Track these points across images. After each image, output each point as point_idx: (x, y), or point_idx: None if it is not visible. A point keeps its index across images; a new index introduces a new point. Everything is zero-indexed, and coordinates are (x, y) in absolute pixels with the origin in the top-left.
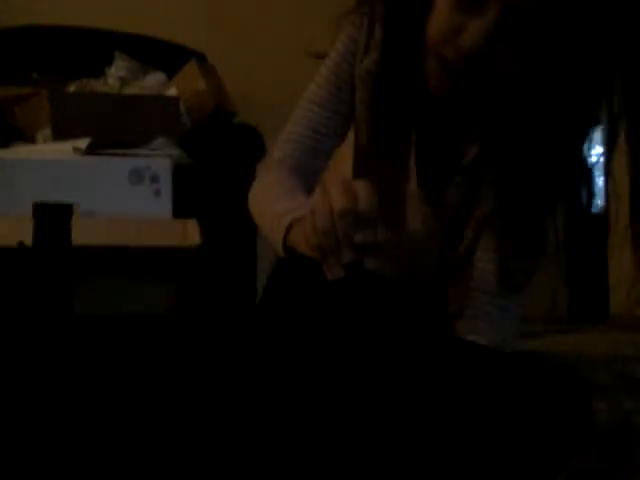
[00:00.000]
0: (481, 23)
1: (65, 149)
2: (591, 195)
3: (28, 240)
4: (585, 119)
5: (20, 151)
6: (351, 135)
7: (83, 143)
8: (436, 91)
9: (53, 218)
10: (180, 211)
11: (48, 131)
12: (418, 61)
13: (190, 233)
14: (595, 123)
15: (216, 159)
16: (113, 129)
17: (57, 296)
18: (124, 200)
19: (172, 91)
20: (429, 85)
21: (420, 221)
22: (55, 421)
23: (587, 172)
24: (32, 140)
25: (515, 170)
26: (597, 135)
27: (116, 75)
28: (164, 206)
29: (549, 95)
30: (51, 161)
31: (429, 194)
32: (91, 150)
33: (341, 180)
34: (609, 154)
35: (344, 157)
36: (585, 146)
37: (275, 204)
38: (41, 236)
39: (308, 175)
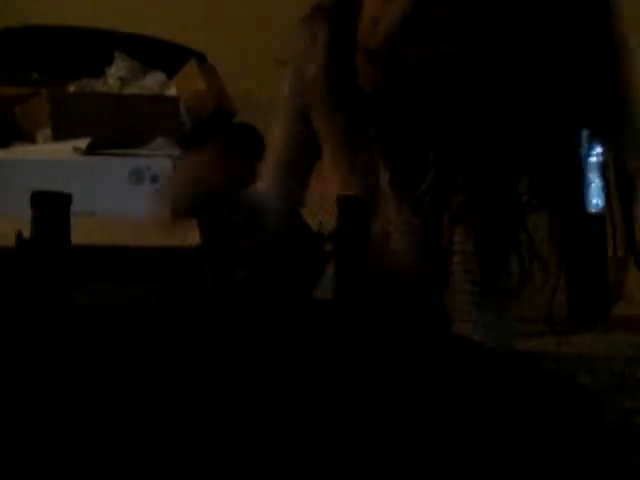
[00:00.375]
0: (396, 8)
1: (65, 149)
2: (574, 193)
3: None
4: (534, 113)
5: (20, 151)
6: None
7: (83, 143)
8: (366, 86)
9: (51, 207)
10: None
11: (48, 131)
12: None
13: (190, 233)
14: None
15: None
16: (113, 129)
17: (56, 288)
18: (124, 200)
19: (172, 91)
20: (359, 81)
21: (400, 220)
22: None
23: (558, 169)
24: (32, 140)
25: (473, 163)
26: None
27: (116, 75)
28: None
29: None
30: (51, 161)
31: (403, 193)
32: (91, 150)
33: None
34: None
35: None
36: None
37: None
38: (39, 226)
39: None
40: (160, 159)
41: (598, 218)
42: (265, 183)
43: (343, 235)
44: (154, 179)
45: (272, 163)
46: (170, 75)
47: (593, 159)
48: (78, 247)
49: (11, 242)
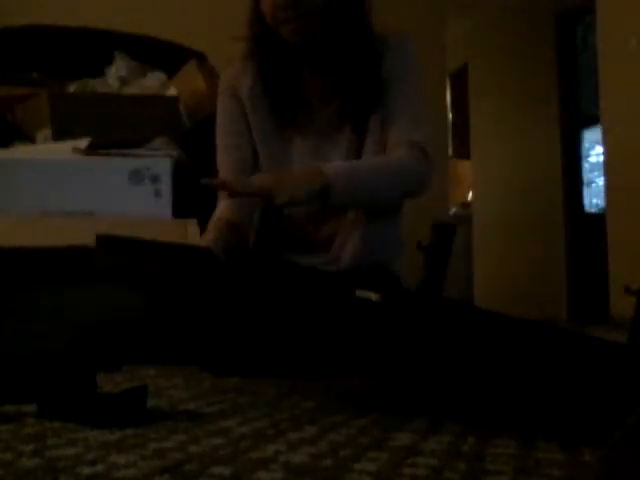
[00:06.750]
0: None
1: (65, 149)
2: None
3: (28, 240)
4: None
5: (20, 151)
6: None
7: (83, 143)
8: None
9: None
10: (180, 211)
11: (48, 131)
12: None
13: (190, 233)
14: None
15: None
16: (113, 129)
17: None
18: (124, 200)
19: (172, 91)
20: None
21: None
22: None
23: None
24: (32, 140)
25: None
26: (597, 135)
27: (116, 75)
28: (164, 206)
29: None
30: (51, 161)
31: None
32: (91, 150)
33: None
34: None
35: None
36: None
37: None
38: None
39: None
40: (160, 159)
41: (599, 218)
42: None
43: (434, 250)
44: (154, 179)
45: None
46: (170, 75)
47: (593, 159)
48: (78, 248)
49: (11, 242)
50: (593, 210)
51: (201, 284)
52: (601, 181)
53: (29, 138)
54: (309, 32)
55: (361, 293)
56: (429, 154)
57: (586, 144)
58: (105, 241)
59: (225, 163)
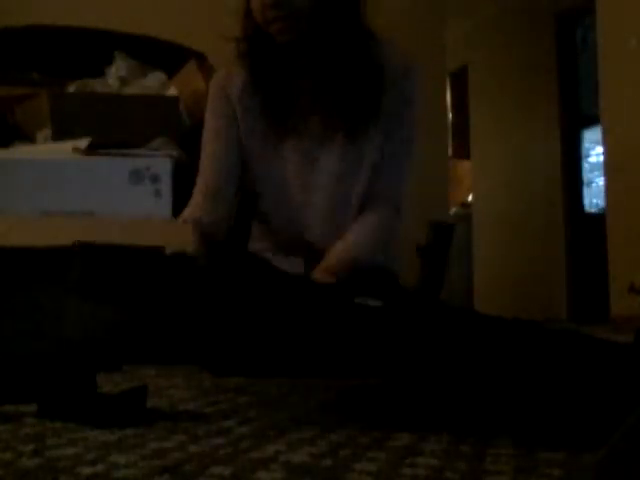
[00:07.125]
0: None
1: (65, 149)
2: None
3: (28, 240)
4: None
5: (20, 151)
6: None
7: (83, 143)
8: (279, 37)
9: None
10: (180, 211)
11: (48, 131)
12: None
13: (190, 233)
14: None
15: None
16: (113, 129)
17: None
18: (124, 200)
19: (172, 91)
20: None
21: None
22: None
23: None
24: (32, 140)
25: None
26: (597, 135)
27: (116, 75)
28: (164, 206)
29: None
30: (51, 161)
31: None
32: (91, 150)
33: None
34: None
35: None
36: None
37: None
38: None
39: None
40: (160, 159)
41: (599, 218)
42: (202, 196)
43: (431, 250)
44: (154, 179)
45: (210, 176)
46: (170, 75)
47: (593, 159)
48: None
49: (11, 242)
50: (593, 210)
51: (189, 294)
52: (601, 181)
53: (29, 138)
54: (296, 32)
55: (361, 300)
56: (402, 211)
57: (586, 144)
58: (83, 249)
59: (207, 171)
